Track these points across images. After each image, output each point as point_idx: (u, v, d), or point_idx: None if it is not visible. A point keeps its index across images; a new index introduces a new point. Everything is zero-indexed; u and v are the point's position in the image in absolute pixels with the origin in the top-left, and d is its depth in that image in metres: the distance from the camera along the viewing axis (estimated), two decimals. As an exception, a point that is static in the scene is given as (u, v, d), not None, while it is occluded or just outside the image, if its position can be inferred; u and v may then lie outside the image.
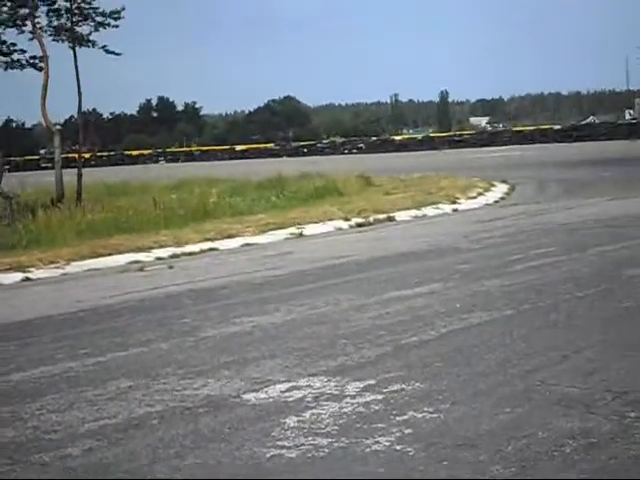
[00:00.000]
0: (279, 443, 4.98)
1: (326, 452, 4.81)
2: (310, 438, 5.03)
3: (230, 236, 15.51)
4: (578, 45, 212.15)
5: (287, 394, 5.93)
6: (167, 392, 6.12)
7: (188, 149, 68.26)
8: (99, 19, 25.12)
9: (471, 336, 7.22)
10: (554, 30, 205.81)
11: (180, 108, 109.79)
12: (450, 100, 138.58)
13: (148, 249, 14.25)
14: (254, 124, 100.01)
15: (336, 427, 5.19)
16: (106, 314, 9.33)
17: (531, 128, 61.26)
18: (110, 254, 13.81)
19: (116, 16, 25.20)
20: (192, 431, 5.26)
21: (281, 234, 15.88)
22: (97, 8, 25.08)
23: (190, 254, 14.04)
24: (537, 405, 5.36)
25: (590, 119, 75.53)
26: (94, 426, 5.45)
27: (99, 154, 63.60)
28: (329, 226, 16.89)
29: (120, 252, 13.96)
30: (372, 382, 6.04)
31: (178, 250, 14.25)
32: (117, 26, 25.29)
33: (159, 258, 13.67)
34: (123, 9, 25.33)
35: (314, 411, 5.53)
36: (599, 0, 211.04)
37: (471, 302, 8.60)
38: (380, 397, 5.71)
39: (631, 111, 74.26)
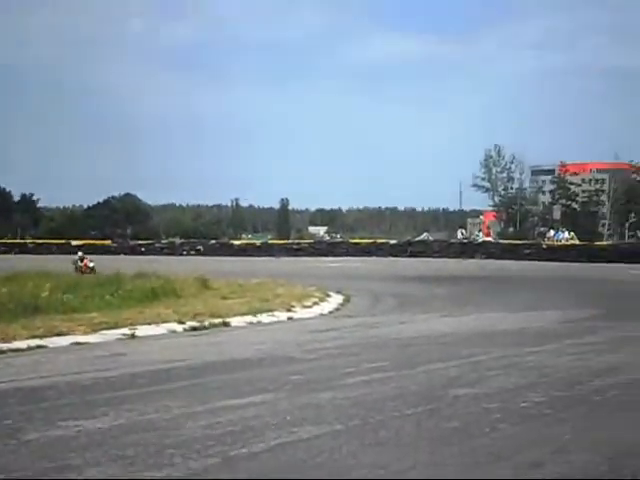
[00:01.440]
0: None
1: None
2: None
3: (60, 334, 15.08)
4: (415, 164, 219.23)
5: (109, 504, 5.75)
6: (-18, 498, 5.85)
7: (22, 241, 66.74)
8: None
9: (300, 450, 7.18)
10: (391, 147, 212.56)
11: (16, 199, 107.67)
12: (290, 208, 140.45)
13: (-27, 343, 13.73)
14: (93, 219, 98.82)
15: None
16: None
17: (368, 241, 62.55)
18: None
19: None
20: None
21: (113, 334, 15.57)
22: None
23: (17, 350, 13.58)
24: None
25: (424, 236, 77.60)
26: None
27: None
28: (163, 328, 16.68)
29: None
30: (198, 495, 5.93)
31: (4, 346, 13.76)
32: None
33: (-16, 354, 13.17)
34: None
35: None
36: (437, 126, 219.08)
37: (301, 415, 8.59)
38: (205, 511, 5.60)
39: (463, 230, 76.79)
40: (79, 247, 46.49)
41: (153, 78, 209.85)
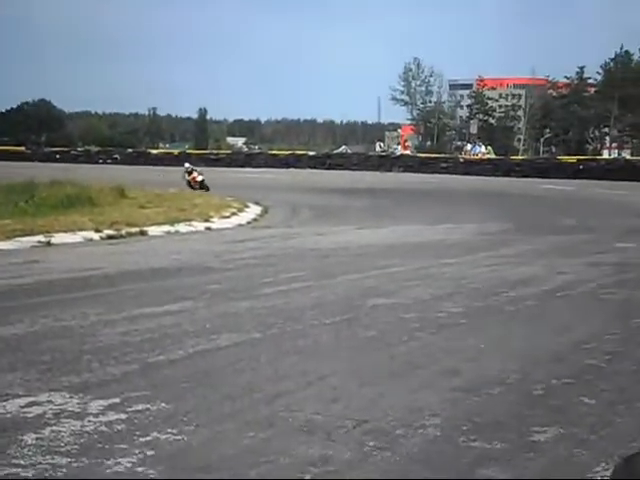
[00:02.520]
0: (15, 461, 4.78)
1: (64, 472, 4.66)
2: (48, 457, 4.86)
3: (-27, 240, 14.84)
4: (334, 77, 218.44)
5: (26, 409, 5.71)
6: None
7: None
8: None
9: (219, 358, 7.21)
10: (310, 60, 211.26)
11: None
12: (208, 118, 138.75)
13: None
14: (5, 125, 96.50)
15: (76, 446, 5.04)
16: None
17: (286, 152, 62.29)
18: None
19: None
20: None
21: (28, 241, 15.34)
22: None
23: None
24: (280, 431, 5.40)
25: (342, 148, 77.63)
26: None
27: None
28: (79, 236, 16.48)
29: None
30: (116, 400, 5.91)
31: None
32: None
33: None
34: None
35: (54, 428, 5.35)
36: (356, 40, 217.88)
37: (220, 323, 8.61)
38: (124, 417, 5.59)
39: (381, 144, 77.00)
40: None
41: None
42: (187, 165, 33.71)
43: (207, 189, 30.73)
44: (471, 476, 4.78)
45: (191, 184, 31.64)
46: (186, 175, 32.38)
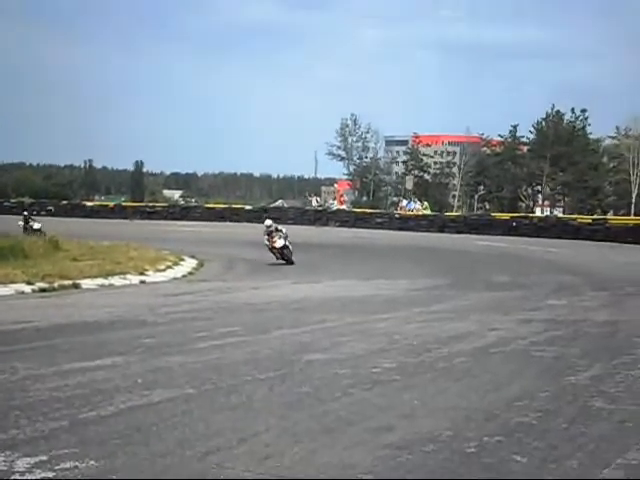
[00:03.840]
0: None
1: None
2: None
3: None
4: (271, 131, 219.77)
5: (-49, 468, 5.58)
6: None
7: None
8: None
9: (151, 413, 7.12)
10: (248, 114, 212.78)
11: None
12: (145, 170, 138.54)
13: None
14: None
15: (2, 506, 4.94)
16: None
17: (223, 206, 62.29)
18: None
19: None
20: None
21: (-42, 294, 15.12)
22: None
23: None
24: (212, 488, 5.34)
25: (279, 202, 77.84)
26: None
27: None
28: (10, 289, 16.28)
29: None
30: (44, 458, 5.80)
31: None
32: None
33: None
34: None
35: (-21, 488, 5.23)
36: (293, 95, 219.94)
37: (153, 378, 8.52)
38: (51, 475, 5.49)
39: (318, 198, 77.46)
40: None
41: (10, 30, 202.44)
42: (26, 213, 36.92)
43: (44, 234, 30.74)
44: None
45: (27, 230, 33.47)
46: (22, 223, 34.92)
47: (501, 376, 9.21)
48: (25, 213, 37.09)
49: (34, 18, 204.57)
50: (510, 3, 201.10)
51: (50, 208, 58.43)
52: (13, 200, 65.94)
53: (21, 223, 35.07)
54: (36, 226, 34.31)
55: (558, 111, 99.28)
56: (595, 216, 58.51)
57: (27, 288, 16.53)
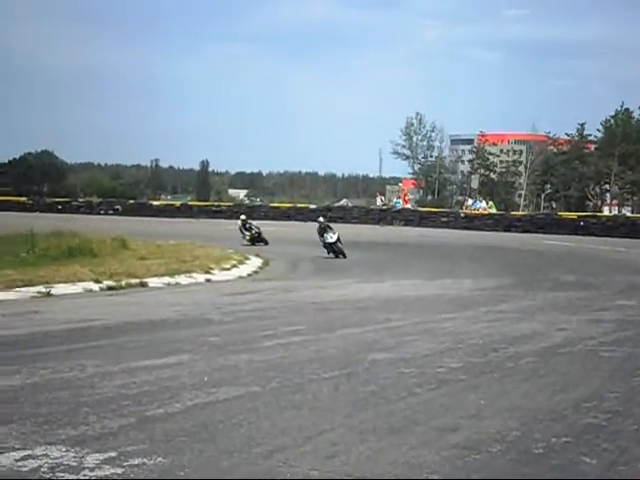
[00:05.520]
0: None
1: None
2: (43, 512, 4.81)
3: (-27, 290, 14.83)
4: (336, 130, 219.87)
5: (21, 463, 5.66)
6: None
7: None
8: None
9: (217, 411, 7.16)
10: (313, 113, 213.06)
11: None
12: (210, 170, 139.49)
13: None
14: (7, 176, 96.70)
15: (72, 501, 5.00)
16: None
17: (288, 205, 62.38)
18: None
19: None
20: None
21: (28, 292, 15.34)
22: None
23: None
24: (278, 486, 5.35)
25: (343, 202, 77.93)
26: None
27: None
28: (79, 287, 16.47)
29: None
30: (113, 454, 5.86)
31: None
32: None
33: None
34: None
35: (50, 482, 5.30)
36: (358, 94, 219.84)
37: (219, 376, 8.57)
38: (120, 471, 5.54)
39: (382, 197, 77.27)
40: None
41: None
42: (243, 217, 34.04)
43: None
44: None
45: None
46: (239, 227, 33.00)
47: (569, 377, 9.11)
48: (243, 217, 34.07)
49: (102, 21, 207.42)
50: (575, 1, 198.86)
51: (117, 207, 59.09)
52: (81, 199, 66.80)
53: (238, 226, 33.18)
54: (255, 230, 32.72)
55: (627, 109, 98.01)
56: (665, 215, 57.53)
57: (95, 286, 16.73)
